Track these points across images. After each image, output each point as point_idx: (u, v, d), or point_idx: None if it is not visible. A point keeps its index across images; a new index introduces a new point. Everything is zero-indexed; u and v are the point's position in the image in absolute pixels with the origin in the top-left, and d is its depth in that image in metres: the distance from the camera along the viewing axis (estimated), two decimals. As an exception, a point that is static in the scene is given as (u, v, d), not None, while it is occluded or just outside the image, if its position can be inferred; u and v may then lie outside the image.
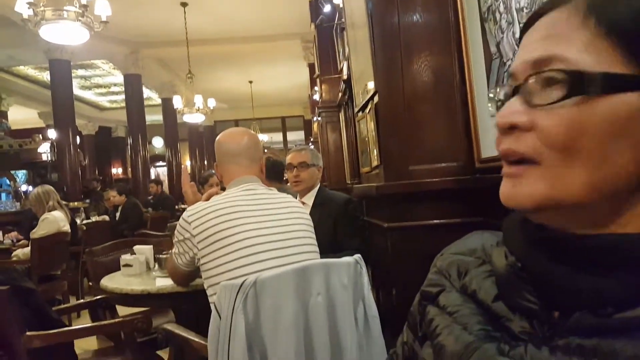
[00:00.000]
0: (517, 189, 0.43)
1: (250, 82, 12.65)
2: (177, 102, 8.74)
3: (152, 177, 12.11)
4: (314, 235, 1.57)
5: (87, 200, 8.54)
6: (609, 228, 0.41)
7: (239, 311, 1.18)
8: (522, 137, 0.42)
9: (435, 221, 1.65)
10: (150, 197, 8.07)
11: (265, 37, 9.34)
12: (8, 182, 9.90)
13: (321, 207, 2.32)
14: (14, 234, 4.72)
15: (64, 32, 4.32)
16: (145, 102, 10.96)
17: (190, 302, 1.76)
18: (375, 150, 1.87)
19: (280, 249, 1.42)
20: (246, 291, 1.20)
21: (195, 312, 1.84)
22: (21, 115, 12.73)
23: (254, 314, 1.20)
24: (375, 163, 1.88)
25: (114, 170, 16.88)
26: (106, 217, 6.47)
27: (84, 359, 1.89)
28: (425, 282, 0.62)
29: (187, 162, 15.12)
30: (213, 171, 4.14)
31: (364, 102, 2.01)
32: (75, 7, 4.08)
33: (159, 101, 12.47)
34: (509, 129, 0.43)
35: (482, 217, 1.56)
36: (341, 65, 5.00)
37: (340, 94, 4.78)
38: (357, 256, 1.40)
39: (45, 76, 10.67)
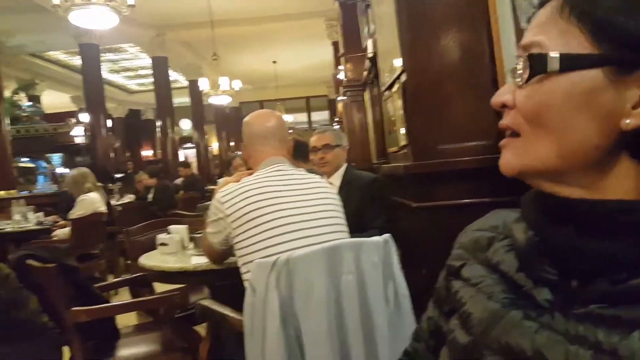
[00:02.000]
0: (504, 158, 0.50)
1: (274, 62, 12.63)
2: (203, 84, 8.81)
3: (181, 158, 12.30)
4: (343, 215, 1.60)
5: (119, 183, 8.77)
6: (593, 194, 0.45)
7: (272, 288, 1.23)
8: (510, 113, 0.50)
9: (464, 200, 1.64)
10: (180, 180, 8.23)
11: (289, 16, 9.27)
12: (44, 164, 10.24)
13: (348, 187, 2.34)
14: (53, 217, 4.91)
15: (93, 17, 4.40)
16: (172, 85, 11.10)
17: (224, 279, 1.82)
18: (402, 130, 1.86)
19: (310, 228, 1.45)
20: (279, 269, 1.24)
21: (229, 288, 1.90)
22: (54, 100, 13.07)
23: (287, 291, 1.24)
24: (402, 142, 1.88)
25: (143, 152, 17.23)
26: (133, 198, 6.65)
27: (124, 334, 1.99)
28: (449, 258, 0.65)
29: (214, 144, 15.30)
30: (238, 152, 4.21)
31: (390, 81, 2.00)
32: (104, -10, 4.15)
33: (186, 83, 12.60)
34: (502, 107, 0.51)
35: (511, 196, 1.56)
36: (366, 43, 4.94)
37: (365, 73, 4.74)
38: (387, 235, 1.42)
39: (76, 60, 10.90)
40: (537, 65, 0.45)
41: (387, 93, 2.14)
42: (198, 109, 12.22)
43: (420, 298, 1.67)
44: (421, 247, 1.76)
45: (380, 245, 1.39)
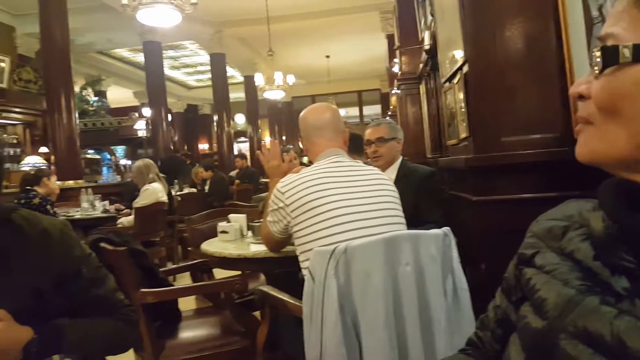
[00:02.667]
0: (578, 145, 0.51)
1: (327, 56, 12.67)
2: (259, 79, 8.99)
3: (235, 152, 12.62)
4: (400, 207, 1.59)
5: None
6: None
7: (331, 276, 1.25)
8: (586, 103, 0.50)
9: (528, 195, 1.60)
10: (236, 172, 8.47)
11: (344, 10, 9.28)
12: (109, 156, 10.84)
13: (404, 180, 2.31)
14: (116, 205, 5.20)
15: (158, 15, 4.61)
16: (229, 80, 11.39)
17: (281, 267, 1.87)
18: (463, 122, 1.83)
19: (368, 219, 1.46)
20: (337, 257, 1.26)
21: (284, 276, 1.95)
22: (119, 95, 13.78)
23: (345, 279, 1.26)
24: (463, 135, 1.84)
25: (200, 146, 17.82)
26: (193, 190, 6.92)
27: (185, 317, 2.08)
28: (521, 246, 0.65)
29: (266, 138, 15.58)
30: (290, 146, 4.28)
31: (451, 72, 1.96)
32: (169, -10, 4.34)
33: (241, 79, 12.90)
34: (579, 98, 0.51)
35: (579, 190, 1.49)
36: (422, 35, 4.86)
37: (421, 65, 4.66)
38: (447, 229, 1.41)
39: (139, 57, 11.43)
40: (610, 56, 0.46)
41: (447, 85, 2.11)
42: (252, 104, 12.49)
43: (478, 293, 1.65)
44: (480, 241, 1.72)
45: (439, 238, 1.38)
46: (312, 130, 1.68)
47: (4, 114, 7.76)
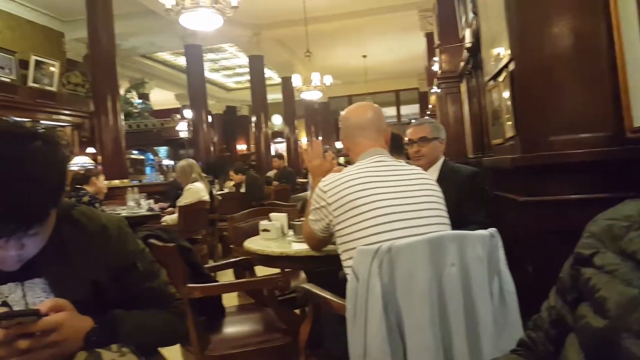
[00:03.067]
0: None
1: (364, 56, 12.63)
2: (297, 80, 9.06)
3: (272, 152, 12.78)
4: (445, 207, 1.58)
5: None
6: None
7: (374, 275, 1.25)
8: None
9: (577, 196, 1.55)
10: (274, 172, 8.59)
11: (381, 9, 9.23)
12: (152, 156, 11.19)
13: (446, 180, 2.27)
14: (160, 204, 5.37)
15: (200, 19, 4.73)
16: (266, 82, 11.54)
17: (323, 266, 1.89)
18: (509, 121, 1.79)
19: (412, 219, 1.46)
20: (381, 257, 1.26)
21: (325, 274, 1.97)
22: (161, 97, 14.19)
23: (389, 279, 1.26)
24: (509, 134, 1.81)
25: (238, 147, 18.12)
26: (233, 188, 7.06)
27: (228, 313, 2.14)
28: (577, 246, 0.64)
29: (303, 138, 15.68)
30: (327, 146, 4.29)
31: (496, 70, 1.93)
32: (211, -6, 4.45)
33: (278, 80, 13.04)
34: None
35: (633, 191, 1.44)
36: (463, 33, 4.78)
37: (462, 64, 4.59)
38: (493, 230, 1.38)
39: (180, 61, 11.74)
40: None
41: (491, 83, 2.07)
42: (289, 105, 12.60)
43: (524, 295, 1.62)
44: (527, 243, 1.69)
45: (485, 239, 1.36)
46: (354, 129, 1.69)
47: (54, 116, 8.14)
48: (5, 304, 0.92)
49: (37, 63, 7.58)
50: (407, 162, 2.19)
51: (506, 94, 1.78)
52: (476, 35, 3.05)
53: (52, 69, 7.86)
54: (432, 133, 2.35)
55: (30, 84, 7.48)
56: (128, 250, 1.07)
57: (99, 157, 7.17)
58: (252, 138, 14.68)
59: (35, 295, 0.95)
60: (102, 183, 4.39)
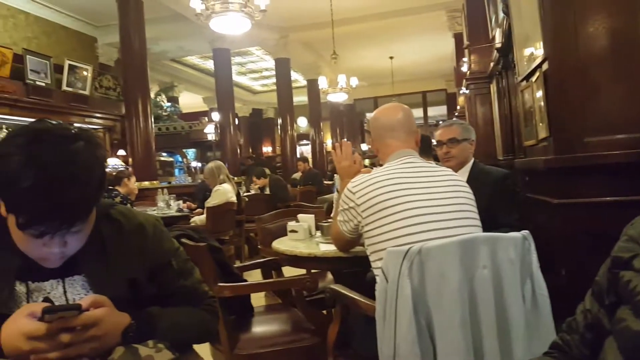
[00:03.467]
0: None
1: (391, 57, 12.57)
2: (323, 82, 9.09)
3: (298, 154, 12.83)
4: (476, 209, 1.56)
5: (242, 176, 9.44)
6: None
7: (405, 276, 1.25)
8: None
9: (612, 198, 1.51)
10: (299, 174, 8.63)
11: (409, 10, 9.18)
12: (180, 159, 11.38)
13: (475, 182, 2.24)
14: (188, 204, 5.47)
15: (229, 23, 4.80)
16: (292, 84, 11.60)
17: (350, 267, 1.89)
18: (542, 122, 1.76)
19: (443, 220, 1.45)
20: (412, 258, 1.25)
21: (352, 275, 1.97)
22: (189, 100, 14.43)
23: (419, 280, 1.26)
24: (542, 135, 1.78)
25: (264, 149, 18.27)
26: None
27: (258, 312, 2.16)
28: (614, 249, 0.63)
29: (328, 140, 15.70)
30: (354, 149, 4.27)
31: (529, 69, 1.90)
32: (240, -2, 4.52)
33: (304, 83, 13.09)
34: None
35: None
36: (493, 33, 4.72)
37: (492, 64, 4.52)
38: (525, 232, 1.36)
39: (208, 64, 11.92)
40: None
41: (524, 83, 2.04)
42: (315, 107, 12.63)
43: (557, 298, 1.58)
44: (559, 246, 1.65)
45: (518, 242, 1.34)
46: (383, 131, 1.68)
47: (87, 119, 8.37)
48: (47, 299, 0.95)
49: (71, 67, 7.82)
50: (437, 164, 2.18)
51: (539, 94, 1.75)
52: (507, 35, 3.01)
53: (85, 73, 8.10)
54: (461, 134, 2.32)
55: (65, 87, 7.72)
56: (164, 249, 1.10)
57: (130, 159, 7.35)
58: (278, 140, 14.79)
59: (76, 292, 0.98)
60: (134, 184, 4.49)
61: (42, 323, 0.83)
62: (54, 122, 0.92)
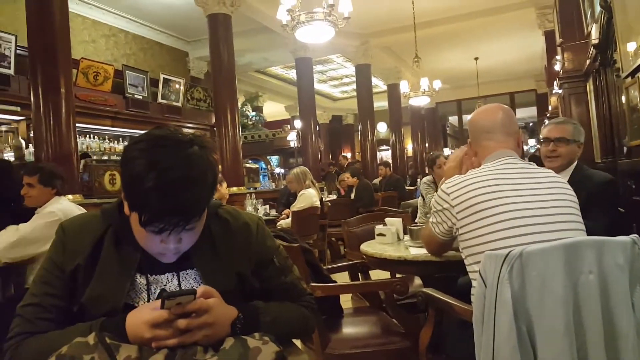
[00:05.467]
0: None
1: (476, 58, 12.16)
2: (404, 86, 9.01)
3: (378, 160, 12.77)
4: (579, 212, 1.48)
5: (323, 182, 9.59)
6: None
7: (504, 280, 1.21)
8: None
9: None
10: (379, 179, 8.61)
11: (495, 10, 8.86)
12: (264, 165, 11.81)
13: (576, 186, 2.10)
14: (286, 212, 5.67)
15: (313, 33, 4.93)
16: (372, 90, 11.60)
17: (440, 271, 1.87)
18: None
19: (544, 223, 1.39)
20: (511, 262, 1.22)
21: (443, 280, 1.94)
22: (272, 109, 14.96)
23: (519, 285, 1.22)
24: (652, 134, 1.65)
25: (343, 155, 18.42)
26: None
27: (347, 314, 2.19)
28: None
29: (409, 145, 15.47)
30: (439, 153, 4.19)
31: (635, 65, 1.76)
32: (324, 7, 4.62)
33: (384, 88, 13.05)
34: None
35: None
36: (589, 29, 4.43)
37: (587, 61, 4.25)
38: (635, 236, 1.27)
39: (290, 74, 12.29)
40: None
41: (629, 80, 1.90)
42: (395, 112, 12.52)
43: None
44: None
45: (627, 246, 1.26)
46: (481, 132, 1.63)
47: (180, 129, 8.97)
48: (164, 291, 1.04)
49: (165, 81, 8.44)
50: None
51: (649, 90, 1.63)
52: (605, 31, 2.82)
53: (177, 86, 8.70)
54: (572, 134, 2.16)
55: (160, 100, 8.33)
56: (267, 246, 1.17)
57: (220, 166, 7.75)
58: (358, 146, 14.83)
59: (189, 285, 1.06)
60: (225, 190, 4.74)
61: (162, 311, 0.92)
62: (171, 128, 1.02)
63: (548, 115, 8.14)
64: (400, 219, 2.33)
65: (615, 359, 1.22)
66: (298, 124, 10.50)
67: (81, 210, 2.49)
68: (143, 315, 0.93)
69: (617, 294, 1.24)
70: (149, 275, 1.04)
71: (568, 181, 2.10)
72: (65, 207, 2.42)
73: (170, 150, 0.94)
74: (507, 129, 1.60)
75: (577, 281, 1.23)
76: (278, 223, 4.83)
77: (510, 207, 1.40)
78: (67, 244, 1.04)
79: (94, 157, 6.18)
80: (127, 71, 7.79)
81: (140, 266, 1.04)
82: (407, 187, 8.74)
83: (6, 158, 5.14)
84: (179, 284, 1.06)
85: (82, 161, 5.21)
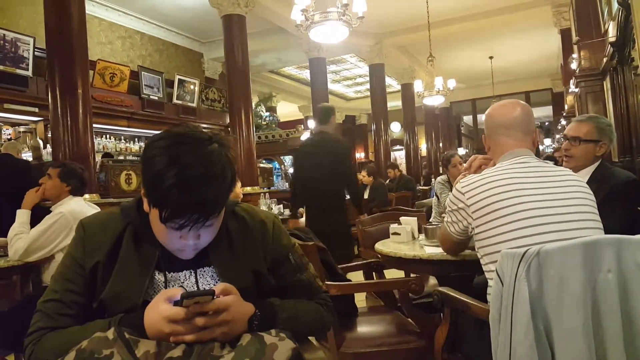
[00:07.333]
0: None
1: (491, 57, 12.06)
2: (418, 86, 8.97)
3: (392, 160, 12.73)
4: (596, 211, 1.46)
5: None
6: None
7: (521, 279, 1.21)
8: None
9: None
10: (388, 180, 8.59)
11: (511, 8, 8.78)
12: (278, 165, 11.83)
13: (596, 184, 2.03)
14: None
15: (327, 32, 4.93)
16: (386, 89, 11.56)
17: (456, 270, 1.86)
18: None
19: (561, 222, 1.37)
20: (529, 260, 1.21)
21: (458, 279, 1.93)
22: (286, 109, 15.00)
23: (537, 284, 1.21)
24: (673, 132, 1.62)
25: (357, 155, 18.39)
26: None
27: (361, 313, 2.19)
28: None
29: (422, 145, 15.39)
30: (454, 152, 4.16)
31: (655, 62, 1.74)
32: (338, 7, 4.63)
33: (398, 87, 13.00)
34: None
35: None
36: (606, 27, 4.36)
37: (605, 60, 4.20)
38: (657, 234, 1.26)
39: (304, 74, 12.31)
40: None
41: (649, 77, 1.87)
42: (409, 111, 12.47)
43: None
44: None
45: (647, 245, 1.24)
46: (498, 128, 1.60)
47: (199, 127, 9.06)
48: (182, 288, 1.06)
49: (180, 82, 8.52)
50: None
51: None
52: (622, 28, 2.77)
53: (192, 87, 8.77)
54: (589, 134, 2.04)
55: (175, 100, 8.42)
56: (283, 243, 1.18)
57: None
58: (371, 146, 14.80)
59: (206, 282, 1.07)
60: (239, 189, 4.75)
61: (181, 308, 0.93)
62: (191, 126, 1.03)
63: (564, 114, 8.05)
64: (415, 218, 2.33)
65: (635, 359, 1.20)
66: (312, 124, 10.51)
67: (94, 209, 2.52)
68: (162, 311, 0.94)
69: (638, 293, 1.22)
70: (167, 273, 1.05)
71: (589, 179, 2.06)
72: (74, 208, 2.44)
73: (190, 148, 0.95)
74: (525, 126, 1.57)
75: (595, 280, 1.21)
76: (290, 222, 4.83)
77: (526, 206, 1.39)
78: (87, 242, 1.06)
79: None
80: (142, 72, 7.89)
81: (158, 263, 1.05)
82: (421, 187, 8.69)
83: (24, 158, 5.23)
84: (197, 282, 1.07)
85: (99, 161, 5.28)
